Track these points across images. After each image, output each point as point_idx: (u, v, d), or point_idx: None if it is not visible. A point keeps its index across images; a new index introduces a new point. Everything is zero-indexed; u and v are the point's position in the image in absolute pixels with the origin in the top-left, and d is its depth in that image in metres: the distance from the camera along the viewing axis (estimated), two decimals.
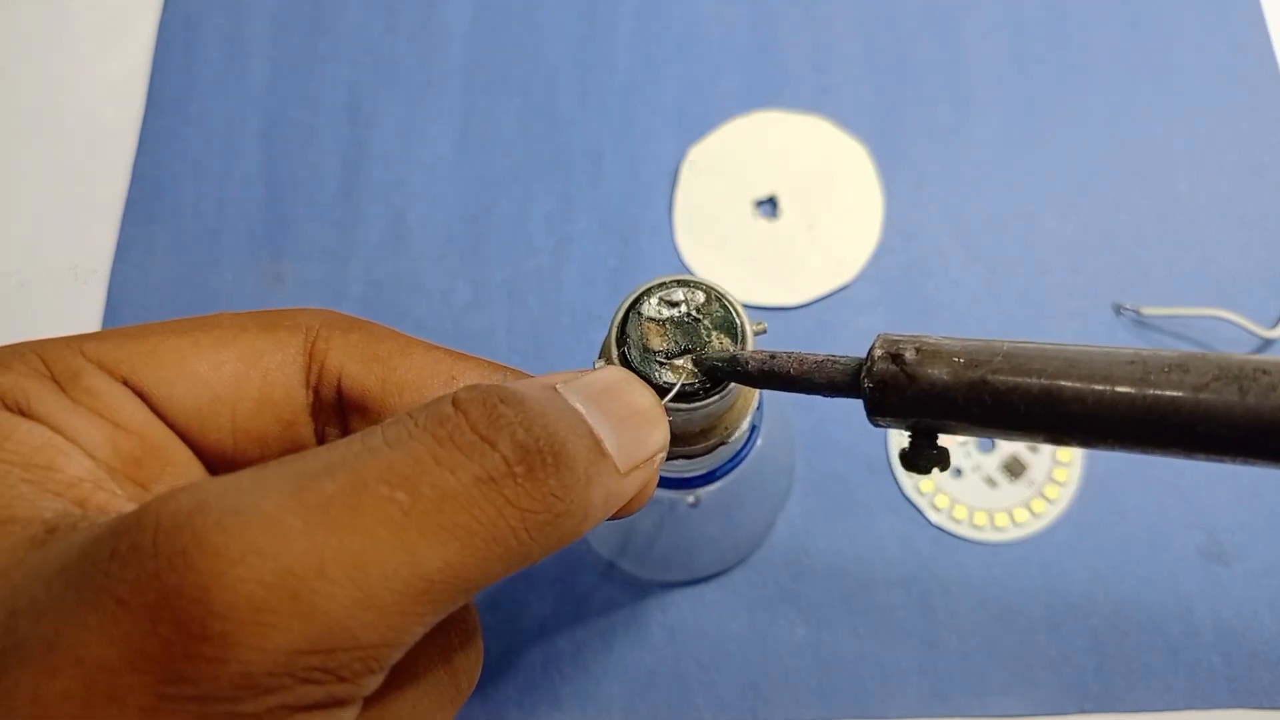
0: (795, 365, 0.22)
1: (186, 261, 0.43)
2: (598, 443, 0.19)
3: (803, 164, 0.44)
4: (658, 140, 0.44)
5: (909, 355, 0.19)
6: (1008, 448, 0.39)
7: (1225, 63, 0.45)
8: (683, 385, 0.23)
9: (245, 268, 0.43)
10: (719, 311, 0.24)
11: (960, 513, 0.39)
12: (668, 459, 0.26)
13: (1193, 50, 0.45)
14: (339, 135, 0.45)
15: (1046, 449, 0.39)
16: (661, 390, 0.23)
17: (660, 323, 0.24)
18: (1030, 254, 0.42)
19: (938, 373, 0.19)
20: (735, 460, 0.28)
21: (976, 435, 0.20)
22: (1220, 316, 0.40)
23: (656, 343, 0.24)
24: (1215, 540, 0.38)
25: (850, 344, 0.41)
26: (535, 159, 0.44)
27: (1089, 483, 0.39)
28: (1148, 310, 0.41)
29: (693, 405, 0.23)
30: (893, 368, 0.19)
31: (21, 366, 0.20)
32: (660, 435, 0.21)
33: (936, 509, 0.39)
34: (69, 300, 0.43)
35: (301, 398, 0.22)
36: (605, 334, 0.24)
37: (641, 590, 0.38)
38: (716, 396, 0.24)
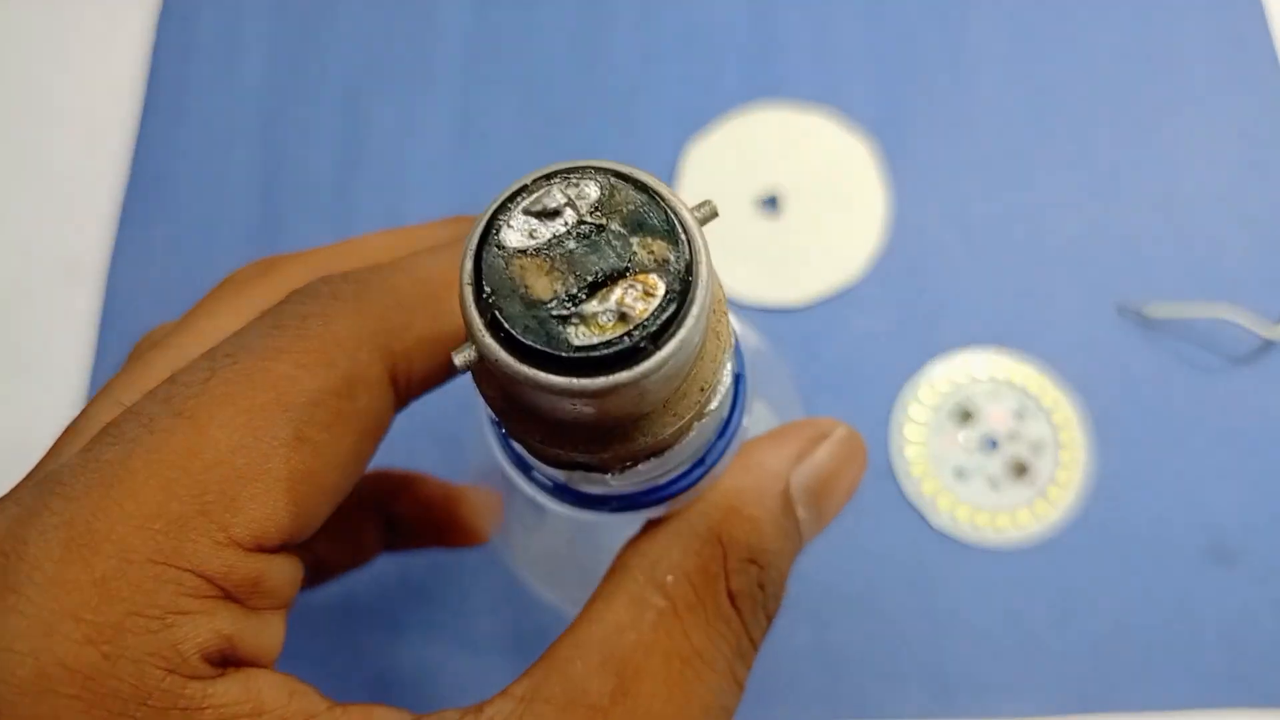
0: None
1: (184, 261, 0.43)
2: (802, 544, 0.23)
3: (805, 161, 0.43)
4: (658, 137, 0.44)
5: None
6: (1010, 450, 0.39)
7: (1228, 61, 0.44)
8: (611, 343, 0.14)
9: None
10: (632, 203, 0.15)
11: (963, 515, 0.38)
12: (631, 467, 0.17)
13: (1196, 49, 0.45)
14: (336, 133, 0.44)
15: (1050, 451, 0.39)
16: (578, 363, 0.14)
17: (537, 253, 0.15)
18: (1034, 253, 0.42)
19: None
20: (726, 433, 0.19)
21: None
22: (1224, 317, 0.40)
23: (542, 287, 0.15)
24: (1219, 541, 0.38)
25: (854, 344, 0.41)
26: (535, 157, 0.44)
27: (1091, 484, 0.39)
28: (1151, 310, 0.40)
29: (639, 370, 0.14)
30: None
31: (189, 589, 0.17)
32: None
33: (939, 511, 0.38)
34: (65, 300, 0.42)
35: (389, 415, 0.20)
36: (459, 300, 0.15)
37: None
38: (672, 344, 0.15)
